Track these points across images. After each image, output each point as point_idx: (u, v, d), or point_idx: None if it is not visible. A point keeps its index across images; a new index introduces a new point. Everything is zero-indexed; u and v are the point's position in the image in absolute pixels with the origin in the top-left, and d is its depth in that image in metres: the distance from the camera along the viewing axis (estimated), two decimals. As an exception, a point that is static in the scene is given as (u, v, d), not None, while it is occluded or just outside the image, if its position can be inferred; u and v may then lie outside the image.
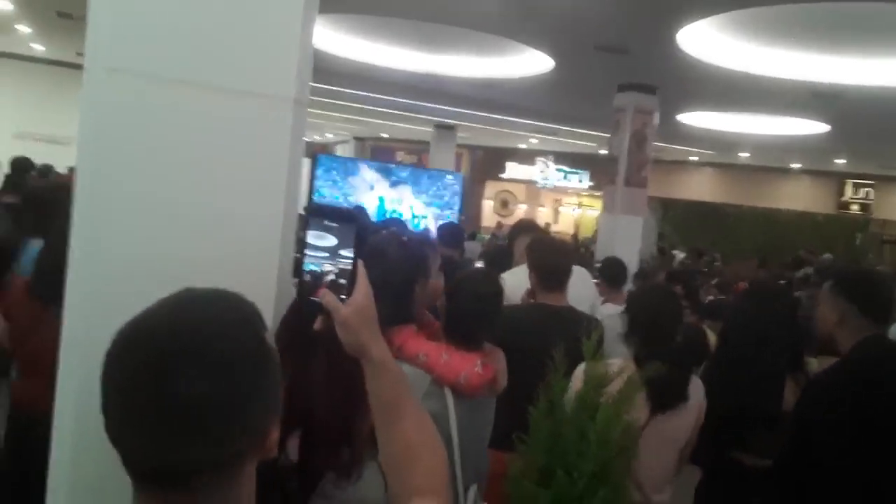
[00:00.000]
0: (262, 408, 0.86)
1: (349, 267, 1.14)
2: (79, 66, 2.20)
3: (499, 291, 2.31)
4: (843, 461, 2.19)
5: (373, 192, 12.69)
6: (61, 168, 8.89)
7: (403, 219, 12.57)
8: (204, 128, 2.24)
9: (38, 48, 12.74)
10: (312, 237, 1.15)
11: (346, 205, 12.02)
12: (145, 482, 0.84)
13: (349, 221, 1.16)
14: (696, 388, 2.58)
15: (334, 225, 1.16)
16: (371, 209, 12.51)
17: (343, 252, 1.14)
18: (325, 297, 1.10)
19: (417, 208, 12.94)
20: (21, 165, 7.48)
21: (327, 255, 1.15)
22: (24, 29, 10.95)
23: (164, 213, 2.22)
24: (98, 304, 2.00)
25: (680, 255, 15.55)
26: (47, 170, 7.74)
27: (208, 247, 2.24)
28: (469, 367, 2.13)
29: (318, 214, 1.17)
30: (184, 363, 0.80)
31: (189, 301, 0.90)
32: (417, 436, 1.13)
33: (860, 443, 2.19)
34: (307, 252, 1.16)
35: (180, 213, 2.23)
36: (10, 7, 9.39)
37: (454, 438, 2.08)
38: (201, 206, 2.26)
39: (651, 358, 2.27)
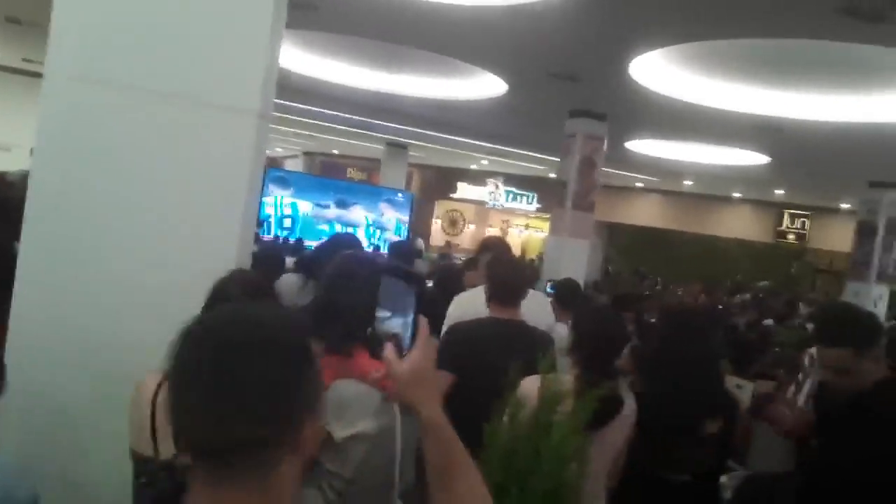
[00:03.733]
0: (299, 400, 0.94)
1: (398, 329, 1.25)
2: (25, 73, 2.17)
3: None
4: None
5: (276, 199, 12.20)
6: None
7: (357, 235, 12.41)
8: (167, 138, 2.23)
9: (-17, 53, 12.38)
10: (383, 293, 1.26)
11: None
12: (196, 458, 0.92)
13: (413, 283, 1.29)
14: (628, 405, 2.65)
15: (399, 283, 1.28)
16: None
17: (401, 312, 1.26)
18: (387, 350, 1.20)
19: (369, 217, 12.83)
20: None
21: (391, 311, 1.26)
22: (-33, 33, 10.64)
23: (121, 222, 2.19)
24: (49, 301, 1.98)
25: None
26: None
27: (166, 254, 2.22)
28: None
29: (388, 273, 1.30)
30: (242, 348, 0.92)
31: (247, 308, 1.06)
32: (468, 500, 1.18)
33: None
34: (380, 307, 1.26)
35: (138, 220, 2.21)
36: (-47, 10, 9.11)
37: (397, 453, 2.12)
38: (161, 214, 2.24)
39: (591, 376, 2.29)
